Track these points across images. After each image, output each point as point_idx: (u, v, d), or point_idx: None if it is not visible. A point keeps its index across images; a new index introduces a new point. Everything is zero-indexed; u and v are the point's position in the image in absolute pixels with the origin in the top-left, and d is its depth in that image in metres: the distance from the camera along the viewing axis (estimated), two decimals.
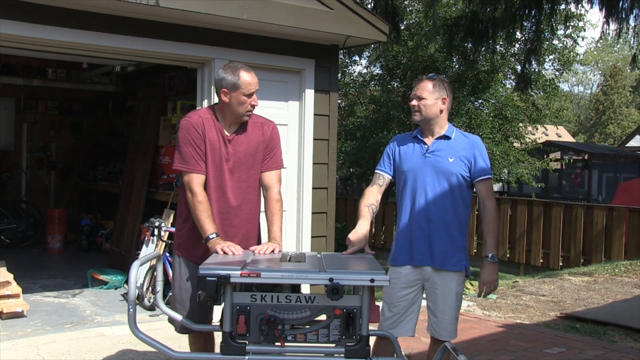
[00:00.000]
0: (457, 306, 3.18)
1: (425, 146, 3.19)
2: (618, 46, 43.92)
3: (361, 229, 3.07)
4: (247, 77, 3.03)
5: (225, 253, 2.86)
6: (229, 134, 3.12)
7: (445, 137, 3.18)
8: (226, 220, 3.11)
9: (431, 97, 3.15)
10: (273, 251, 2.97)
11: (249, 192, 3.17)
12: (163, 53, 4.98)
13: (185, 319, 3.01)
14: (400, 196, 3.26)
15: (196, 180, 3.05)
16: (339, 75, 12.48)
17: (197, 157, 3.05)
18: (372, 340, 2.65)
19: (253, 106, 3.09)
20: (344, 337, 2.53)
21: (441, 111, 3.17)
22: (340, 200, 13.64)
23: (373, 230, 12.81)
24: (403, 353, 2.77)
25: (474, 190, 3.22)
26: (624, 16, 8.88)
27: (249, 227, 3.20)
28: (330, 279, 2.44)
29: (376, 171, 3.33)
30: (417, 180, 3.15)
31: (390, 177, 3.28)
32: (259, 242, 3.26)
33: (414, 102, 3.18)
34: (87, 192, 9.30)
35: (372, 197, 3.24)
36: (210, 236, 2.95)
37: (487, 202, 3.17)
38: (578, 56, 16.30)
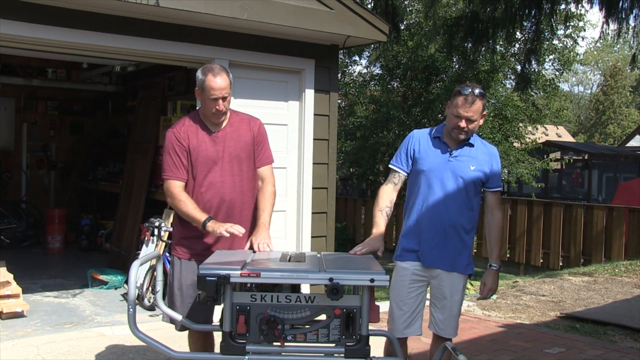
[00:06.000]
0: (461, 304, 3.21)
1: (450, 149, 3.16)
2: (618, 46, 43.91)
3: (374, 234, 3.09)
4: (211, 83, 3.05)
5: (230, 233, 2.94)
6: (215, 132, 3.19)
7: (469, 145, 3.17)
8: (222, 214, 3.15)
9: (480, 117, 3.11)
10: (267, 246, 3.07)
11: (242, 186, 3.23)
12: (163, 53, 4.98)
13: (185, 319, 3.02)
14: (413, 194, 3.22)
15: (174, 184, 3.15)
16: (339, 75, 12.49)
17: (176, 164, 3.15)
18: (373, 340, 2.64)
19: (218, 111, 3.11)
20: (343, 337, 2.53)
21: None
22: (340, 200, 13.64)
23: None
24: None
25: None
26: (623, 16, 8.88)
27: (244, 220, 3.22)
28: (330, 279, 2.44)
29: (392, 167, 3.28)
30: (437, 182, 3.13)
31: (407, 175, 3.25)
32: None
33: (463, 125, 3.07)
34: (87, 192, 9.29)
35: (386, 198, 3.21)
36: (207, 220, 3.01)
37: (495, 212, 3.24)
38: (578, 56, 16.29)
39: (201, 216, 3.04)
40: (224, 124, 3.22)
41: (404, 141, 3.30)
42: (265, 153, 3.34)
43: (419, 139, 3.25)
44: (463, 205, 3.13)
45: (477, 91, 3.06)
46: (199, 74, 3.11)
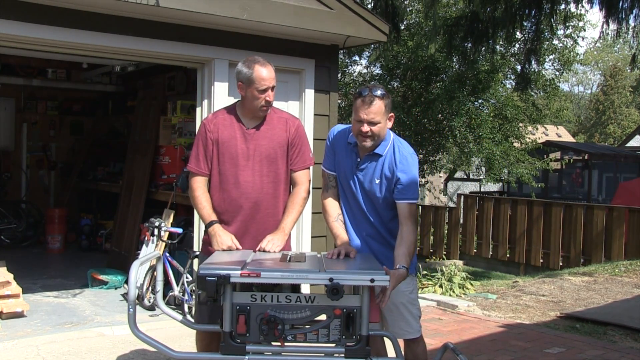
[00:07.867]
0: (407, 303, 3.08)
1: (358, 159, 3.00)
2: (618, 46, 43.90)
3: (342, 243, 3.02)
4: (261, 73, 3.01)
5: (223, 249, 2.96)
6: (249, 129, 3.12)
7: (376, 155, 2.97)
8: (247, 215, 3.11)
9: (383, 119, 2.88)
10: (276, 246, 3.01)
11: (271, 188, 3.15)
12: (163, 53, 4.98)
13: (185, 320, 3.03)
14: (341, 199, 3.13)
15: (194, 178, 3.15)
16: (339, 75, 12.48)
17: (199, 156, 3.13)
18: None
19: (268, 102, 3.07)
20: (343, 337, 2.53)
21: (388, 129, 2.96)
22: None
23: None
24: (403, 353, 2.76)
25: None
26: (623, 16, 8.89)
27: (273, 223, 3.15)
28: (330, 279, 2.44)
29: (324, 169, 3.16)
30: (350, 193, 3.05)
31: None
32: None
33: (366, 129, 2.85)
34: (87, 192, 9.29)
35: (334, 207, 3.10)
36: (211, 223, 3.04)
37: (407, 224, 2.90)
38: (578, 56, 16.29)
39: (207, 217, 3.05)
40: (259, 121, 3.14)
41: (327, 138, 3.15)
42: (301, 156, 3.20)
43: (337, 142, 3.09)
44: (376, 220, 3.00)
45: (376, 92, 2.85)
46: (242, 68, 3.03)
